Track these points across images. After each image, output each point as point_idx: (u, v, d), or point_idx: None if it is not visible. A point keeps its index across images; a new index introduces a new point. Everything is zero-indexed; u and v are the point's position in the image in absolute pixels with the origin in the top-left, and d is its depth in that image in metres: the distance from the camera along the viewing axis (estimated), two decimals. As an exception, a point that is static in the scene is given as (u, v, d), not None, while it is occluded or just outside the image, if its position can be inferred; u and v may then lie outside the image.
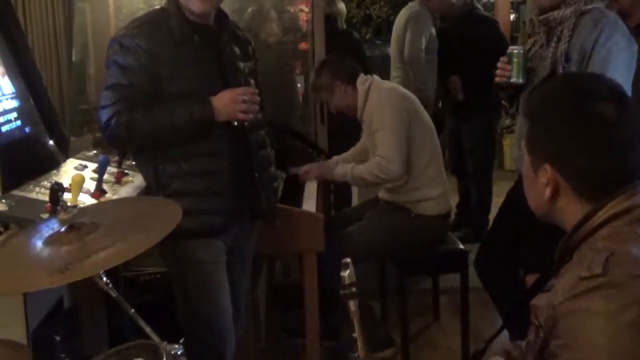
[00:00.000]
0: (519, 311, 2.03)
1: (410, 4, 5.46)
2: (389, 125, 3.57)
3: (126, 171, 2.73)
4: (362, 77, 3.74)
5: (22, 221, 1.96)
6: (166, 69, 2.49)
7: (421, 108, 3.78)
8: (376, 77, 3.81)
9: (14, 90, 2.51)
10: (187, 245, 2.49)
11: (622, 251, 1.39)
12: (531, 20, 3.09)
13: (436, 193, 3.69)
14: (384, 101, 3.62)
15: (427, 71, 5.12)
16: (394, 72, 5.38)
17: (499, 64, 2.94)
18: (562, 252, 1.51)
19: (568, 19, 2.82)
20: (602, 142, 1.47)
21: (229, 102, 2.51)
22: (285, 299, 3.64)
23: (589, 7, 2.80)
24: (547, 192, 1.49)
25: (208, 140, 2.52)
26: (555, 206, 1.51)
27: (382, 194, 3.77)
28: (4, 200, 2.04)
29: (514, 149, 3.04)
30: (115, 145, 2.66)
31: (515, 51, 2.89)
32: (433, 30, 5.18)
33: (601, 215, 1.45)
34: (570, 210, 1.49)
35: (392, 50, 5.46)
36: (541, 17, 2.92)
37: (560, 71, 2.75)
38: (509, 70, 2.88)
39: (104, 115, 2.49)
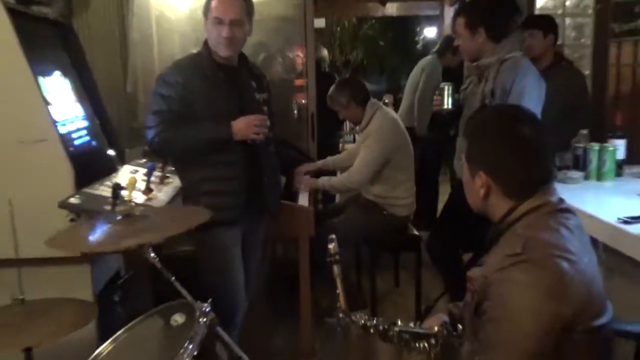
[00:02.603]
0: (458, 280, 2.05)
1: (428, 57, 5.52)
2: (372, 151, 3.61)
3: (167, 175, 2.73)
4: (371, 101, 3.75)
5: (90, 212, 1.95)
6: (197, 98, 2.49)
7: (408, 140, 3.78)
8: (382, 106, 3.81)
9: (84, 114, 2.52)
10: (210, 231, 2.48)
11: (536, 236, 1.42)
12: (468, 65, 3.12)
13: (406, 202, 3.74)
14: (379, 132, 3.63)
15: (426, 110, 5.09)
16: (405, 102, 5.47)
17: (435, 97, 3.01)
18: (492, 237, 1.54)
19: (493, 65, 2.85)
20: (522, 156, 1.50)
21: (245, 126, 2.51)
22: (284, 271, 3.64)
23: (509, 55, 2.84)
24: (482, 192, 1.52)
25: (227, 153, 2.53)
26: (487, 203, 1.53)
27: (366, 194, 3.75)
28: (77, 196, 2.05)
29: (455, 162, 3.05)
30: (159, 155, 2.66)
31: (443, 86, 2.97)
32: (440, 79, 5.13)
33: (521, 210, 1.48)
34: (498, 206, 1.52)
35: (407, 87, 5.52)
36: (474, 64, 2.95)
37: (488, 103, 2.78)
38: (440, 100, 2.96)
39: (150, 134, 2.50)
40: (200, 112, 2.49)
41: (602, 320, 1.43)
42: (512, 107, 1.80)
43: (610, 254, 2.19)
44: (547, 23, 3.52)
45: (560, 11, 4.20)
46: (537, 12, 4.15)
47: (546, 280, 1.36)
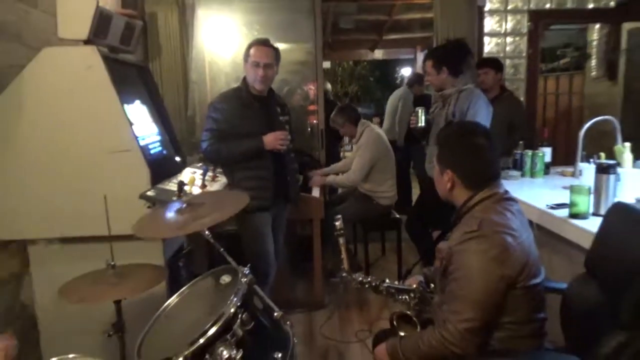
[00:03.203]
0: (429, 251, 2.02)
1: (402, 87, 5.58)
2: (363, 158, 3.61)
3: (217, 175, 2.72)
4: (362, 121, 3.76)
5: (162, 201, 1.95)
6: (237, 120, 2.49)
7: (390, 149, 3.77)
8: (370, 124, 3.79)
9: (157, 131, 2.53)
10: (249, 215, 2.48)
11: (488, 218, 1.40)
12: (435, 94, 3.11)
13: (389, 195, 3.72)
14: (368, 144, 3.63)
15: (404, 127, 5.12)
16: (386, 122, 5.49)
17: (411, 117, 3.01)
18: (455, 218, 1.52)
19: (454, 94, 2.84)
20: (478, 158, 1.47)
21: (273, 140, 2.50)
22: (302, 244, 3.63)
23: (465, 87, 2.83)
24: (448, 185, 1.50)
25: (260, 159, 2.53)
26: (452, 193, 1.52)
27: (360, 189, 3.73)
28: (152, 190, 2.04)
29: (426, 164, 3.03)
30: (210, 161, 2.65)
31: (417, 110, 2.98)
32: (412, 105, 5.17)
33: (477, 198, 1.46)
34: (460, 195, 1.50)
35: (387, 110, 5.52)
36: (439, 93, 2.95)
37: (452, 121, 2.76)
38: (415, 120, 2.96)
39: (204, 145, 2.50)
40: (239, 130, 2.49)
41: (537, 280, 1.41)
42: (471, 123, 1.78)
43: (541, 232, 2.17)
44: (497, 64, 3.49)
45: (502, 54, 4.16)
46: (485, 55, 4.10)
47: (494, 250, 1.34)
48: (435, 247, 1.65)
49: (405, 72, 11.68)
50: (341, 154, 6.37)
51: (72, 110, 2.00)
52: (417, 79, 5.35)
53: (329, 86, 5.64)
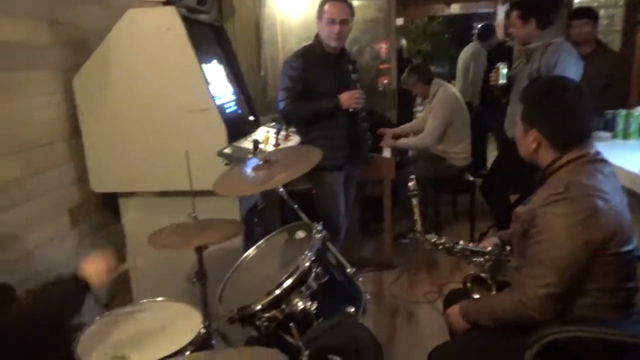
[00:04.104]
0: (506, 214, 1.95)
1: (471, 44, 5.26)
2: (437, 119, 3.49)
3: (289, 134, 2.74)
4: (435, 80, 3.62)
5: (238, 159, 2.01)
6: (313, 78, 2.48)
7: (465, 107, 3.63)
8: (445, 84, 3.65)
9: (232, 91, 2.57)
10: (323, 173, 2.50)
11: (576, 180, 1.32)
12: (518, 49, 2.92)
13: (462, 156, 3.60)
14: (442, 103, 3.51)
15: (478, 85, 4.89)
16: (459, 82, 5.23)
17: (491, 74, 2.86)
18: (539, 180, 1.44)
19: (539, 48, 2.64)
20: (567, 116, 1.38)
21: (348, 98, 2.48)
22: (372, 204, 3.64)
23: (552, 40, 2.62)
24: (533, 145, 1.42)
25: (336, 118, 2.53)
26: (537, 154, 1.43)
27: (433, 150, 3.62)
28: (229, 148, 2.10)
29: (506, 124, 2.89)
30: (287, 121, 2.66)
31: (499, 65, 2.82)
32: (485, 61, 4.85)
33: (564, 159, 1.38)
34: (546, 156, 1.41)
35: (459, 69, 5.27)
36: (523, 48, 2.76)
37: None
38: (496, 76, 2.82)
39: (280, 105, 2.52)
40: (315, 89, 2.48)
41: (629, 247, 1.32)
42: (560, 78, 1.64)
43: (633, 198, 2.00)
44: (594, 14, 3.18)
45: (595, 4, 3.79)
46: (576, 4, 3.76)
47: (582, 213, 1.26)
48: (512, 211, 1.59)
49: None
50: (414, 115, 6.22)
51: (154, 71, 2.09)
52: (487, 31, 4.99)
53: (404, 42, 5.41)
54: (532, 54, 2.69)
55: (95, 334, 1.45)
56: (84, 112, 2.14)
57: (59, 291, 1.30)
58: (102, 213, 2.36)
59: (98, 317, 1.56)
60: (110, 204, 2.33)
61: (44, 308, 1.23)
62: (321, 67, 2.51)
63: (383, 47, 4.13)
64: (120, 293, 2.25)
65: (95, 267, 1.34)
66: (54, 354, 1.34)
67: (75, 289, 1.28)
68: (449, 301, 1.74)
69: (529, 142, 1.42)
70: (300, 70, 2.49)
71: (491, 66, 3.75)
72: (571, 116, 1.37)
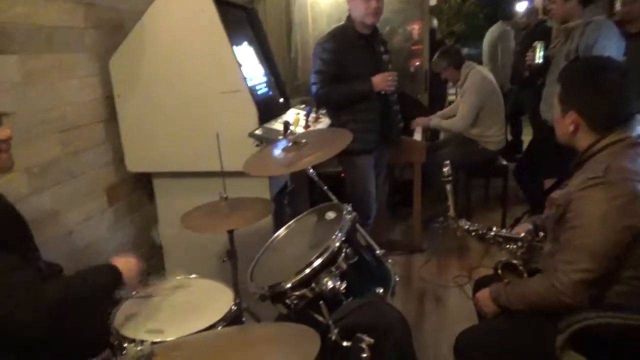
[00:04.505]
0: (540, 199, 1.90)
1: (496, 25, 5.08)
2: (469, 103, 3.42)
3: (320, 116, 2.74)
4: (466, 64, 3.54)
5: (269, 140, 2.02)
6: (346, 60, 2.46)
7: (497, 89, 3.53)
8: (476, 66, 3.56)
9: (263, 72, 2.57)
10: (354, 156, 2.49)
11: (616, 163, 1.28)
12: (557, 27, 2.82)
13: (496, 139, 3.53)
14: (474, 87, 3.43)
15: (508, 69, 4.77)
16: (490, 64, 5.02)
17: (528, 53, 2.78)
18: (576, 164, 1.40)
19: (579, 27, 2.53)
20: (608, 98, 1.33)
21: (381, 81, 2.46)
22: (401, 187, 3.62)
23: (593, 18, 2.52)
24: (571, 128, 1.37)
25: (368, 101, 2.51)
26: (575, 136, 1.39)
27: (466, 134, 3.55)
28: (260, 129, 2.11)
29: (541, 106, 2.81)
30: (320, 105, 2.64)
31: (536, 44, 2.73)
32: (513, 42, 4.71)
33: (603, 142, 1.33)
34: (584, 139, 1.37)
35: (485, 54, 5.08)
36: (562, 26, 2.66)
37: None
38: (532, 56, 2.74)
39: (313, 88, 2.52)
40: (347, 70, 2.47)
41: (672, 234, 1.27)
42: (601, 58, 1.59)
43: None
44: None
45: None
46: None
47: (622, 198, 1.22)
48: (546, 196, 1.55)
49: (520, 7, 10.61)
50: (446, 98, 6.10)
51: (186, 53, 2.11)
52: (510, 10, 4.84)
53: (436, 23, 5.29)
54: (571, 32, 2.59)
55: (130, 308, 1.51)
56: (119, 94, 2.19)
57: (101, 274, 1.35)
58: (137, 193, 2.43)
59: (134, 292, 1.61)
60: (145, 184, 2.39)
61: (88, 286, 1.29)
62: (354, 48, 2.48)
63: (415, 28, 4.06)
64: (154, 270, 2.32)
65: (129, 268, 1.39)
66: (92, 326, 1.40)
67: (112, 279, 1.34)
68: (478, 286, 1.73)
69: (566, 124, 1.38)
70: (333, 52, 2.47)
71: (526, 47, 3.64)
72: (612, 97, 1.32)
